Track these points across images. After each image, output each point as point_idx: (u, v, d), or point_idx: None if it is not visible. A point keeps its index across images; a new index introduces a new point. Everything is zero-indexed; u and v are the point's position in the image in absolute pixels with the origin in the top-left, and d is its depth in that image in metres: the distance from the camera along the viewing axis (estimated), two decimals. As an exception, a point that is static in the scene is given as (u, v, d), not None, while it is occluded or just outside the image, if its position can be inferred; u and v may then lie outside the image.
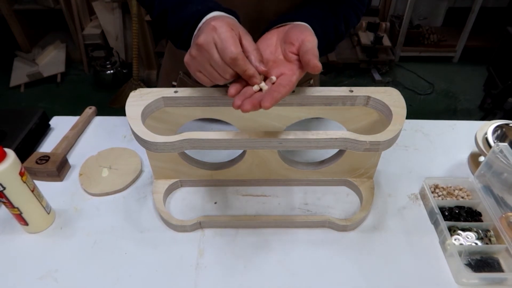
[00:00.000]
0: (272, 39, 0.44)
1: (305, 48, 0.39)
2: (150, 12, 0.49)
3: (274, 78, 0.40)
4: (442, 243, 0.49)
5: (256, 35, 0.46)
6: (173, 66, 0.67)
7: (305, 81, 0.69)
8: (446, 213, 0.52)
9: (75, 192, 0.57)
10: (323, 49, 0.47)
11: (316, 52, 0.39)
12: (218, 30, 0.36)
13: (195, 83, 0.65)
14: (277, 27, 0.45)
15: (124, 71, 2.12)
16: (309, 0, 0.49)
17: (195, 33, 0.41)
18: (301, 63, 0.40)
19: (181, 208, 0.55)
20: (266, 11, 0.52)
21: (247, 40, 0.39)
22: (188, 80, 0.67)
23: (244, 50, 0.38)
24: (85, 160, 0.61)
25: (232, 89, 0.39)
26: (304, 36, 0.40)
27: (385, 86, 0.51)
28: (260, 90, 0.40)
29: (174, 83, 0.68)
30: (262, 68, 0.38)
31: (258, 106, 0.36)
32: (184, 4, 0.43)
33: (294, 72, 0.40)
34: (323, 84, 0.59)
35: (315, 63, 0.38)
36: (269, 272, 0.46)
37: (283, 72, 0.40)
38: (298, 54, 0.40)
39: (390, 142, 0.46)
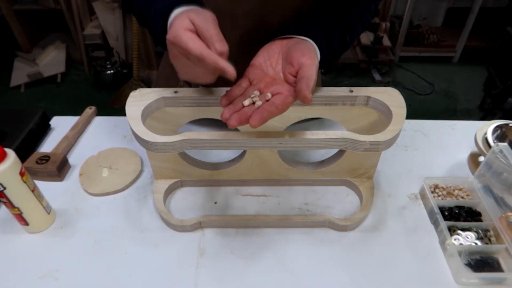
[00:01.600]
0: (275, 51, 0.43)
1: (301, 75, 0.39)
2: (136, 17, 0.49)
3: (269, 95, 0.39)
4: (442, 243, 0.49)
5: (258, 45, 0.46)
6: (172, 74, 0.66)
7: None
8: (446, 213, 0.52)
9: (75, 192, 0.57)
10: (327, 59, 0.46)
11: (310, 82, 0.38)
12: (176, 42, 0.35)
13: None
14: (281, 38, 0.44)
15: (124, 71, 2.12)
16: (314, 10, 0.48)
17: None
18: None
19: (181, 208, 0.55)
20: (268, 22, 0.51)
21: (205, 29, 0.36)
22: (187, 88, 0.66)
23: (203, 39, 0.36)
24: (85, 160, 0.62)
25: (224, 99, 0.39)
26: (304, 59, 0.40)
27: (385, 86, 0.51)
28: (253, 103, 0.39)
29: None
30: (221, 48, 0.35)
31: (246, 122, 0.36)
32: (150, 4, 0.42)
33: (290, 93, 0.39)
34: (323, 84, 0.60)
35: (305, 95, 0.37)
36: (269, 272, 0.47)
37: (280, 91, 0.40)
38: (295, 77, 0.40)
39: (390, 142, 0.46)
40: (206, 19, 0.36)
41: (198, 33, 0.36)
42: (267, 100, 0.39)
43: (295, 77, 0.40)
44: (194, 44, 0.34)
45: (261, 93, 0.40)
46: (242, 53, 0.54)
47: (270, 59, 0.43)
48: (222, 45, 0.35)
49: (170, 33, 0.36)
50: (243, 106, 0.39)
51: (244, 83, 0.42)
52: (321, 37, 0.44)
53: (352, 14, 0.49)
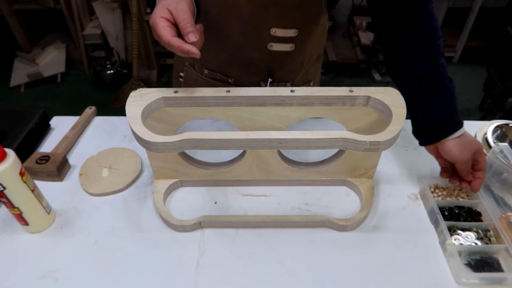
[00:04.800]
0: (464, 156, 0.50)
1: (478, 175, 0.51)
2: None
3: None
4: (442, 243, 0.49)
5: (261, 33, 0.53)
6: (179, 57, 0.67)
7: (305, 82, 0.69)
8: (446, 213, 0.52)
9: (75, 192, 0.57)
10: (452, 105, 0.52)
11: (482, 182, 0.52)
12: (153, 27, 0.41)
13: (199, 74, 0.66)
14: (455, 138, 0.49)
15: (124, 71, 2.12)
16: (425, 85, 0.50)
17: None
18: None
19: (181, 208, 0.55)
20: (270, 10, 0.53)
21: (179, 14, 0.41)
22: (192, 72, 0.67)
23: (179, 25, 0.41)
24: (85, 160, 0.61)
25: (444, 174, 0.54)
26: (481, 159, 0.50)
27: (385, 86, 0.51)
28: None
29: (181, 74, 0.69)
30: (192, 38, 0.41)
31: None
32: None
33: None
34: (323, 84, 0.60)
35: (475, 190, 0.52)
36: (269, 272, 0.47)
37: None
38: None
39: (390, 142, 0.46)
40: (182, 9, 0.41)
41: (174, 21, 0.42)
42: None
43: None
44: (165, 32, 0.40)
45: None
46: (246, 41, 0.56)
47: (465, 162, 0.51)
48: (192, 36, 0.41)
49: (150, 19, 0.42)
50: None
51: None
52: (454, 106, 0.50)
53: (436, 46, 0.51)
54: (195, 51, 0.41)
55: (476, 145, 0.50)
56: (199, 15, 0.49)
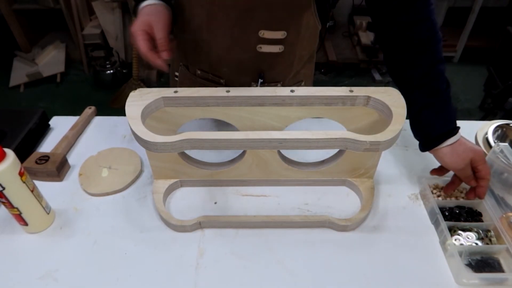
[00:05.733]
0: (458, 164, 0.50)
1: (480, 183, 0.51)
2: None
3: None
4: (443, 243, 0.49)
5: (249, 36, 0.56)
6: (175, 57, 0.70)
7: (296, 83, 0.70)
8: (447, 213, 0.52)
9: (75, 192, 0.57)
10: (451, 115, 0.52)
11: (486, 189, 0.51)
12: (133, 37, 0.48)
13: (193, 75, 0.67)
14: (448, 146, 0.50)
15: (124, 71, 2.12)
16: (432, 87, 0.51)
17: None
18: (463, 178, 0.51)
19: (181, 208, 0.55)
20: (257, 13, 0.55)
21: (158, 31, 0.48)
22: (186, 72, 0.68)
23: (155, 39, 0.48)
24: (85, 160, 0.61)
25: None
26: (481, 167, 0.50)
27: (385, 86, 0.51)
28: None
29: (177, 73, 0.71)
30: (164, 57, 0.48)
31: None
32: None
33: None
34: (323, 84, 0.60)
35: (480, 197, 0.51)
36: (269, 272, 0.46)
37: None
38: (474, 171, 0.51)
39: (390, 142, 0.46)
40: (161, 28, 0.49)
41: (152, 34, 0.48)
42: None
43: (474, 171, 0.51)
44: (143, 44, 0.47)
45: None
46: (234, 43, 0.57)
47: (465, 168, 0.51)
48: (165, 55, 0.48)
49: (132, 27, 0.48)
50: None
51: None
52: (453, 109, 0.51)
53: (433, 52, 0.50)
54: (164, 67, 0.49)
55: (472, 153, 0.49)
56: (176, 23, 0.57)
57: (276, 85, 0.66)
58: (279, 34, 0.56)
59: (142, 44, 0.47)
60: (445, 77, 0.51)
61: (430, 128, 0.51)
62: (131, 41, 0.50)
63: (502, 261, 0.47)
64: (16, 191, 0.46)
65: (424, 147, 0.53)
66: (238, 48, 0.59)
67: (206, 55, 0.62)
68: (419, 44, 0.50)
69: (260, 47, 0.58)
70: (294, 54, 0.62)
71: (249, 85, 0.64)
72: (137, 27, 0.48)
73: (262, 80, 0.63)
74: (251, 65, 0.62)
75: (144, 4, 0.52)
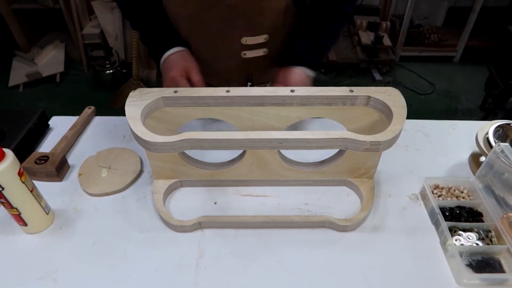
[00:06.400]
0: (297, 77, 0.59)
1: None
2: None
3: None
4: (443, 243, 0.49)
5: (229, 47, 0.60)
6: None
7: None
8: (447, 214, 0.52)
9: (74, 192, 0.57)
10: (317, 59, 0.64)
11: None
12: (175, 81, 0.56)
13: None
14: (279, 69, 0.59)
15: (124, 71, 2.11)
16: (298, 31, 0.61)
17: (161, 62, 0.60)
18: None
19: (181, 208, 0.54)
20: (236, 24, 0.58)
21: (194, 75, 0.57)
22: None
23: (191, 82, 0.57)
24: (84, 160, 0.61)
25: None
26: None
27: (385, 86, 0.51)
28: None
29: None
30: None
31: None
32: (150, 36, 0.62)
33: None
34: (323, 84, 0.60)
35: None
36: (269, 273, 0.46)
37: None
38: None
39: (390, 142, 0.46)
40: (193, 69, 0.57)
41: (187, 75, 0.57)
42: None
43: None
44: (185, 85, 0.56)
45: None
46: (219, 53, 0.59)
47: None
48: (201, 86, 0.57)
49: (172, 73, 0.56)
50: None
51: None
52: (311, 57, 0.60)
53: (330, 21, 0.60)
54: None
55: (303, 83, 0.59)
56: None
57: (265, 86, 0.69)
58: (261, 39, 0.59)
59: (184, 85, 0.55)
60: (332, 38, 0.62)
61: (300, 54, 0.60)
62: (174, 84, 0.56)
63: (503, 262, 0.47)
64: (16, 191, 0.46)
65: (282, 62, 0.60)
66: (223, 57, 0.62)
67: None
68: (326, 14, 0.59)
69: (245, 54, 0.60)
70: (279, 54, 0.63)
71: None
72: (178, 73, 0.56)
73: (251, 83, 0.65)
74: (239, 71, 0.64)
75: (172, 51, 0.58)
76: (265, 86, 0.69)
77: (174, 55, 0.58)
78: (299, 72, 0.59)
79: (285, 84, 0.58)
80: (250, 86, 0.65)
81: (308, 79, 0.60)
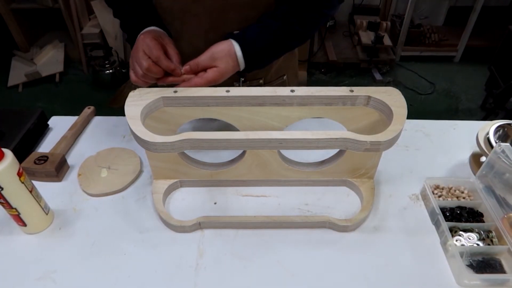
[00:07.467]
0: (223, 47, 0.54)
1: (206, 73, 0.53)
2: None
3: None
4: (443, 244, 0.48)
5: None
6: None
7: (279, 77, 0.70)
8: (447, 214, 0.52)
9: (74, 192, 0.57)
10: (281, 50, 0.59)
11: (202, 82, 0.52)
12: (145, 40, 0.51)
13: None
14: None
15: (123, 70, 2.11)
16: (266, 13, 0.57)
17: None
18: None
19: (181, 209, 0.54)
20: (229, 17, 0.57)
21: (171, 48, 0.53)
22: None
23: (168, 55, 0.52)
24: (84, 160, 0.61)
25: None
26: (215, 63, 0.53)
27: (385, 86, 0.51)
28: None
29: None
30: (179, 71, 0.51)
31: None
32: (128, 17, 0.58)
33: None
34: (323, 84, 0.60)
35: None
36: (269, 273, 0.46)
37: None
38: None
39: (390, 142, 0.46)
40: (170, 41, 0.54)
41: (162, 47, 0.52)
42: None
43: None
44: (157, 47, 0.51)
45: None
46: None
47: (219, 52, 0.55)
48: (179, 69, 0.52)
49: (133, 51, 0.52)
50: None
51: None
52: (268, 36, 0.55)
53: (305, 11, 0.55)
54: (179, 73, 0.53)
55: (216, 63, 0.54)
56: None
57: (258, 82, 0.67)
58: None
59: (144, 60, 0.50)
60: (290, 37, 0.57)
61: (247, 35, 0.55)
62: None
63: (503, 262, 0.47)
64: (15, 192, 0.46)
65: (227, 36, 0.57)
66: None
67: (187, 60, 0.63)
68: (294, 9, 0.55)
69: None
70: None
71: (232, 85, 0.64)
72: (137, 49, 0.51)
73: (243, 79, 0.64)
74: None
75: (148, 29, 0.54)
76: (258, 82, 0.67)
77: (148, 31, 0.54)
78: (228, 43, 0.54)
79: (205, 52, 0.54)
80: (243, 81, 0.64)
81: (231, 54, 0.54)
